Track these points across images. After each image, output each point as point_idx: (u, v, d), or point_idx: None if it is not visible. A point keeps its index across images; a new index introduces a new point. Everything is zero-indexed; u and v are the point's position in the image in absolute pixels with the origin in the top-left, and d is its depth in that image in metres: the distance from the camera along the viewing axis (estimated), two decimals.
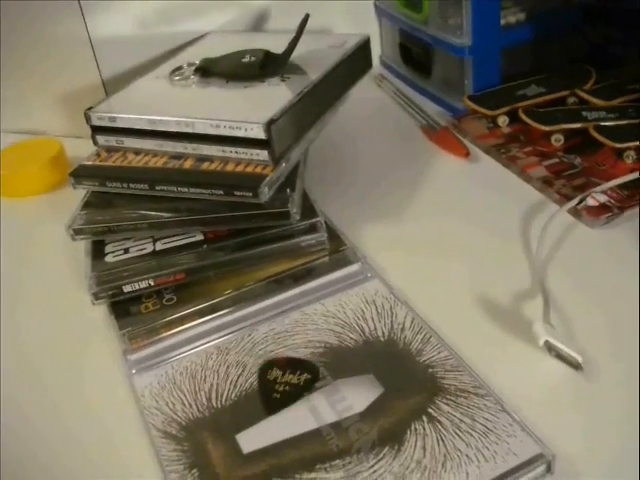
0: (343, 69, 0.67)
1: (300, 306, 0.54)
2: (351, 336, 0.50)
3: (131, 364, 0.50)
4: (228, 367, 0.49)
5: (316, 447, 0.42)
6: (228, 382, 0.48)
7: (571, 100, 0.75)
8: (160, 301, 0.55)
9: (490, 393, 0.44)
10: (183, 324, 0.53)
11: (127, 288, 0.55)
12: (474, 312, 0.52)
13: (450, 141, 0.73)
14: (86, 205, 0.60)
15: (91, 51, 0.78)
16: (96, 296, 0.55)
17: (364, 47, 0.71)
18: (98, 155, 0.63)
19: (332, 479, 0.41)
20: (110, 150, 0.63)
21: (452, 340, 0.49)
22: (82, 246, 0.59)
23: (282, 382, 0.47)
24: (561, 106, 0.74)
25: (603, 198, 0.61)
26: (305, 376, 0.47)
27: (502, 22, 0.77)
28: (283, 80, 0.64)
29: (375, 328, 0.51)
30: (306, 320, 0.52)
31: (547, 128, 0.70)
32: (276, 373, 0.48)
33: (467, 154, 0.71)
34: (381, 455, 0.41)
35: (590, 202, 0.61)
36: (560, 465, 0.40)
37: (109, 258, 0.57)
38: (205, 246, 0.57)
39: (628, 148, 0.66)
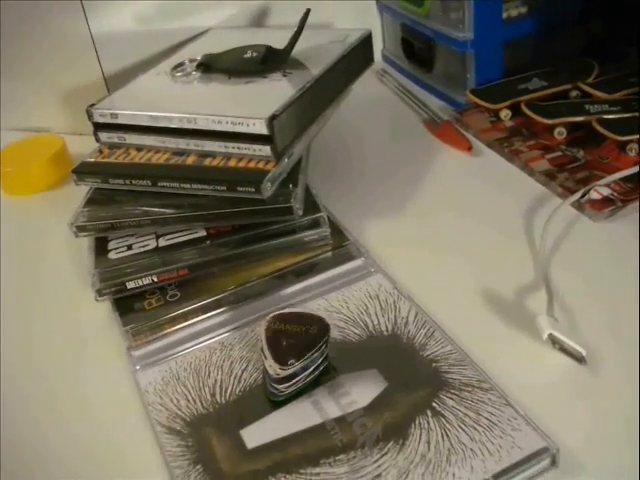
0: (345, 64, 0.67)
1: (303, 301, 0.54)
2: (355, 331, 0.50)
3: (135, 360, 0.51)
4: (232, 363, 0.49)
5: (320, 442, 0.42)
6: (232, 377, 0.48)
7: (574, 93, 0.75)
8: (164, 297, 0.55)
9: (494, 387, 0.44)
10: (187, 320, 0.53)
11: (131, 284, 0.55)
12: (478, 306, 0.52)
13: (452, 135, 0.73)
14: (89, 202, 0.60)
15: (93, 48, 0.78)
16: (100, 292, 0.55)
17: (366, 42, 0.71)
18: (100, 152, 0.63)
19: (337, 474, 0.41)
20: (112, 147, 0.63)
21: (456, 334, 0.49)
22: (85, 243, 0.59)
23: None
24: (564, 99, 0.74)
25: (606, 191, 0.61)
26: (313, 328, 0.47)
27: (504, 15, 0.77)
28: (285, 75, 0.64)
29: (379, 323, 0.51)
30: None
31: (550, 121, 0.70)
32: (281, 325, 0.48)
33: (469, 148, 0.71)
34: (385, 449, 0.41)
35: (593, 195, 0.61)
36: (565, 458, 0.40)
37: (112, 255, 0.57)
38: (208, 242, 0.57)
39: (631, 141, 0.65)
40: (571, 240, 0.57)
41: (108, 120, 0.62)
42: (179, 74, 0.67)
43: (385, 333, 0.50)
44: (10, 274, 0.63)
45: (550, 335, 0.47)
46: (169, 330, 0.52)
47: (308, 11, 0.66)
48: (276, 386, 0.45)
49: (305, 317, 0.49)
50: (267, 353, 0.46)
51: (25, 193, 0.74)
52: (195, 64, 0.68)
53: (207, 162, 0.58)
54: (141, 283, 0.55)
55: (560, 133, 0.70)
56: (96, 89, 0.78)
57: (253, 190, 0.54)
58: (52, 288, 0.60)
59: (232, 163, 0.57)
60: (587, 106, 0.70)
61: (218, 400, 0.47)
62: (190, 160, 0.59)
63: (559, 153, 0.68)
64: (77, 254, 0.61)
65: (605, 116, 0.69)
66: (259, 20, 0.84)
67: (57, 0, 0.75)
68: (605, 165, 0.65)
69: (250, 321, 0.52)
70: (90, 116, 0.62)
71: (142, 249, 0.57)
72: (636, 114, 0.68)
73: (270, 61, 0.65)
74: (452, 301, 0.53)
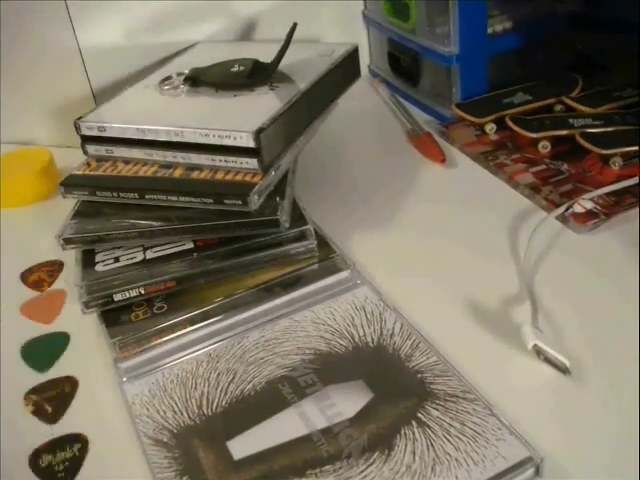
0: (332, 78, 0.67)
1: (290, 313, 0.54)
2: (341, 342, 0.51)
3: (122, 372, 0.51)
4: (219, 374, 0.49)
5: (307, 453, 0.43)
6: (219, 389, 0.48)
7: (558, 107, 0.76)
8: (151, 309, 0.55)
9: (479, 397, 0.45)
10: (174, 332, 0.53)
11: (118, 297, 0.55)
12: (463, 317, 0.53)
13: (428, 146, 0.74)
14: (76, 214, 0.60)
15: (81, 61, 0.78)
16: (87, 305, 0.55)
17: (353, 56, 0.72)
18: (88, 164, 0.63)
19: None
20: (100, 159, 0.63)
21: (441, 345, 0.49)
22: (72, 255, 0.59)
23: (58, 462, 0.45)
24: (548, 113, 0.75)
25: (590, 205, 0.62)
26: (76, 446, 0.46)
27: (489, 30, 0.78)
28: (272, 89, 0.64)
29: (365, 334, 0.51)
30: (296, 327, 0.53)
31: (534, 135, 0.71)
32: (47, 458, 0.46)
33: (443, 160, 0.71)
34: (371, 460, 0.42)
35: (577, 209, 0.61)
36: (549, 468, 0.40)
37: (99, 267, 0.57)
38: (195, 254, 0.57)
39: (614, 154, 0.66)
40: (555, 252, 0.58)
41: (96, 133, 0.62)
42: (167, 87, 0.68)
43: (371, 344, 0.50)
44: None
45: (535, 346, 0.47)
46: (156, 342, 0.52)
47: (295, 25, 0.67)
48: None
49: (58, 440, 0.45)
50: None
51: (12, 206, 0.74)
52: (183, 77, 0.68)
53: (194, 175, 0.58)
54: (128, 295, 0.55)
55: (544, 147, 0.70)
56: (84, 102, 0.78)
57: (240, 203, 0.55)
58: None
59: (219, 176, 0.58)
60: (571, 120, 0.71)
61: (205, 412, 0.47)
62: (177, 173, 0.59)
63: (543, 166, 0.69)
64: (64, 266, 0.61)
65: (589, 130, 0.69)
66: (246, 34, 0.85)
67: (45, 13, 0.75)
68: (589, 178, 0.66)
69: (237, 333, 0.53)
70: (78, 129, 0.63)
71: (129, 261, 0.57)
72: (619, 128, 0.69)
73: (257, 75, 0.65)
74: (437, 313, 0.53)
